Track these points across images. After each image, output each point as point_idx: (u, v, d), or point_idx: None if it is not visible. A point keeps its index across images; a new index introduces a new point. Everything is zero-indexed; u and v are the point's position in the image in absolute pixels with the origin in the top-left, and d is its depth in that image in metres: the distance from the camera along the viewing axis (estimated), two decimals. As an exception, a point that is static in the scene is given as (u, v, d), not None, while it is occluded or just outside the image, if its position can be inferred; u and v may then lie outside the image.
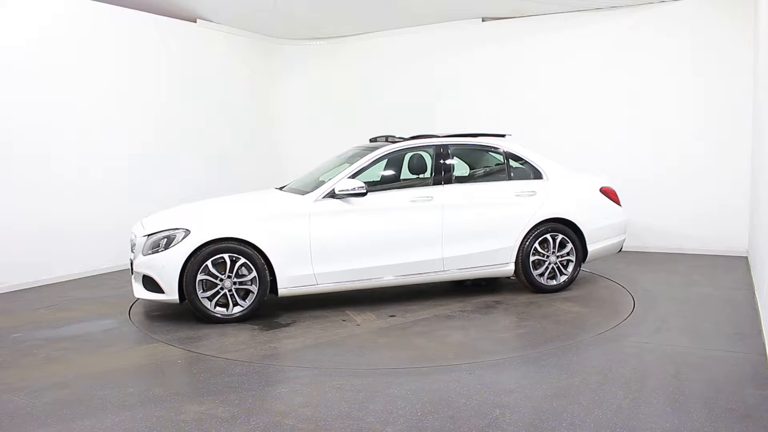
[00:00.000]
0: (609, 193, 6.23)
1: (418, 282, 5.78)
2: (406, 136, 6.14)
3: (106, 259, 7.59)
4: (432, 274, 5.70)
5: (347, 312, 5.53)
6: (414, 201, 5.62)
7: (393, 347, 4.55)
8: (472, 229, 5.73)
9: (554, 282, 5.99)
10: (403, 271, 5.61)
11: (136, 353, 4.53)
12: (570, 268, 6.03)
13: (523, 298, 5.84)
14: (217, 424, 3.25)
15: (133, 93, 7.91)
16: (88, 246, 7.38)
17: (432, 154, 5.92)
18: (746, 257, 7.59)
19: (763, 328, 4.58)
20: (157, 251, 5.14)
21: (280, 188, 6.18)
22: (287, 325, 5.20)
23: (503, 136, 6.26)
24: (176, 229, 5.19)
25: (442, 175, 5.81)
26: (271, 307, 5.70)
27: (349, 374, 3.98)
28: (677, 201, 7.99)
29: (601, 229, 6.11)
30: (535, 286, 5.95)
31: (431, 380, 3.83)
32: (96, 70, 7.46)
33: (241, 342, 4.73)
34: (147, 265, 5.17)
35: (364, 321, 5.25)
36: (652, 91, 8.16)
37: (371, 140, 6.46)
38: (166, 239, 5.16)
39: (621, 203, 6.31)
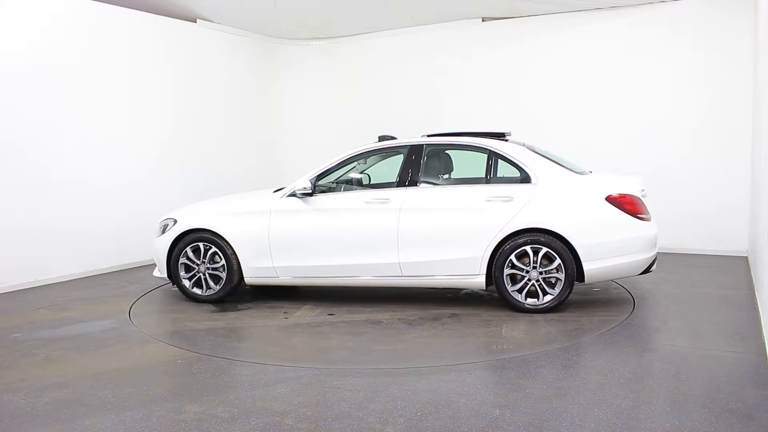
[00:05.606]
0: (622, 203, 5.20)
1: (375, 285, 5.72)
2: (426, 135, 5.98)
3: (106, 259, 7.59)
4: (390, 278, 5.51)
5: (305, 306, 5.78)
6: (369, 203, 5.53)
7: (263, 342, 4.84)
8: (431, 235, 5.36)
9: (535, 301, 5.24)
10: (357, 272, 5.56)
11: (135, 353, 4.53)
12: (558, 288, 5.23)
13: (487, 315, 5.28)
14: (217, 424, 3.25)
15: (133, 94, 7.91)
16: (88, 246, 7.38)
17: (404, 155, 5.69)
18: (746, 257, 7.59)
19: (763, 328, 4.58)
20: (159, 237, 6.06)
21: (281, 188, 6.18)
22: (241, 309, 5.72)
23: (503, 135, 5.82)
24: (170, 219, 6.05)
25: (408, 177, 5.56)
26: (262, 293, 6.33)
27: (349, 374, 3.98)
28: (677, 201, 7.98)
29: (604, 245, 5.16)
30: (511, 304, 5.31)
31: (431, 380, 3.83)
32: (96, 70, 7.45)
33: (174, 318, 5.47)
34: (153, 248, 6.11)
35: (300, 315, 5.48)
36: (652, 90, 8.17)
37: (380, 138, 6.27)
38: (164, 227, 6.05)
39: (646, 214, 5.27)
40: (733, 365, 3.98)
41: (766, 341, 4.33)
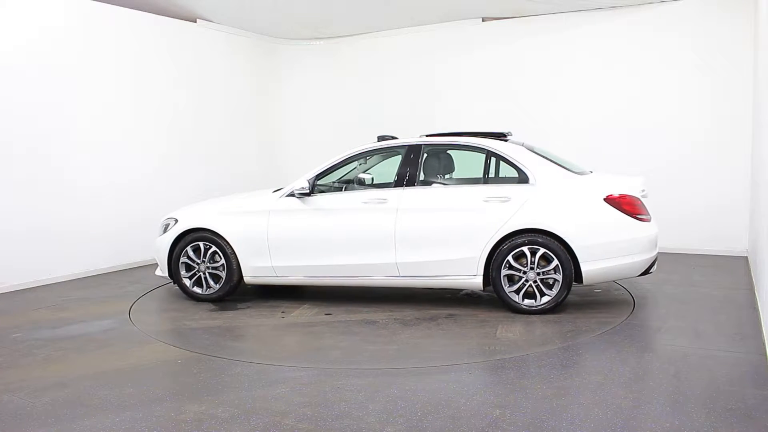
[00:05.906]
0: (621, 204, 5.12)
1: (373, 285, 5.72)
2: (426, 134, 5.97)
3: (106, 259, 7.59)
4: (387, 278, 5.51)
5: (303, 305, 5.80)
6: (366, 203, 5.53)
7: (259, 341, 4.90)
8: (428, 235, 5.33)
9: (532, 302, 5.18)
10: (354, 272, 5.56)
11: (136, 353, 4.53)
12: (555, 289, 5.17)
13: (484, 315, 5.25)
14: (217, 424, 3.25)
15: (133, 94, 7.90)
16: (88, 246, 7.37)
17: (402, 155, 5.67)
18: (746, 257, 7.59)
19: (763, 328, 4.58)
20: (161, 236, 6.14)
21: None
22: (240, 308, 5.76)
23: (503, 135, 5.79)
24: (171, 218, 6.11)
25: (406, 177, 5.53)
26: (261, 293, 6.38)
27: (349, 374, 3.98)
28: (677, 201, 7.98)
29: (602, 246, 5.10)
30: (508, 305, 5.26)
31: (431, 380, 3.83)
32: (96, 70, 7.45)
33: (174, 317, 5.55)
34: (154, 247, 6.18)
35: (297, 315, 5.50)
36: (652, 90, 8.17)
37: (379, 138, 6.21)
38: (165, 226, 6.12)
39: (646, 215, 5.21)
40: (733, 365, 3.98)
41: (766, 341, 4.33)
